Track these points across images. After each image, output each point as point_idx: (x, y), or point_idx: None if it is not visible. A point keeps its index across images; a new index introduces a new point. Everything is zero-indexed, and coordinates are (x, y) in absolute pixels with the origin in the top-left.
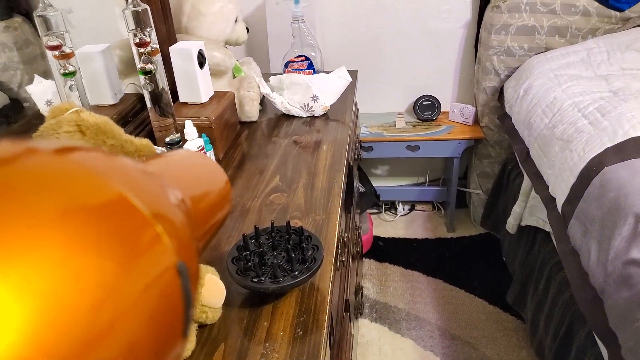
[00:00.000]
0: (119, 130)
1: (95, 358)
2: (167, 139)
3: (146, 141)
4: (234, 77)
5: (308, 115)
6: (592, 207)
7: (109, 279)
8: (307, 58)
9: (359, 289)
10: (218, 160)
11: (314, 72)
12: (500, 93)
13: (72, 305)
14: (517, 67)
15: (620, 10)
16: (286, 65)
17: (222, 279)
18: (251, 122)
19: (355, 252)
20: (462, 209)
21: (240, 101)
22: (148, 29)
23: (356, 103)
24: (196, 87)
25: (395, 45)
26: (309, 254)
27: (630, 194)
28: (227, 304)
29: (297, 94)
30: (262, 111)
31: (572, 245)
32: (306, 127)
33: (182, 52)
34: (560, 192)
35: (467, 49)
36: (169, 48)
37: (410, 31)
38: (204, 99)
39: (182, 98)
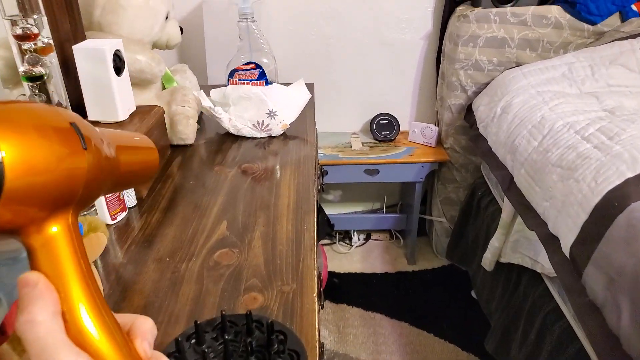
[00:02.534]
0: None
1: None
2: None
3: None
4: (164, 88)
5: (262, 135)
6: (618, 254)
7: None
8: (258, 66)
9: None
10: (140, 199)
11: (267, 83)
12: (468, 111)
13: (41, 147)
14: (486, 83)
15: (593, 23)
16: (231, 75)
17: None
18: (186, 146)
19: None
20: (421, 237)
21: (171, 119)
22: (36, 16)
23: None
24: (111, 100)
25: (349, 57)
26: None
27: None
28: None
29: (248, 110)
30: (199, 131)
31: (591, 298)
32: (259, 151)
33: (92, 52)
34: (566, 231)
35: (428, 62)
36: (73, 47)
37: (366, 42)
38: (122, 116)
39: (92, 115)
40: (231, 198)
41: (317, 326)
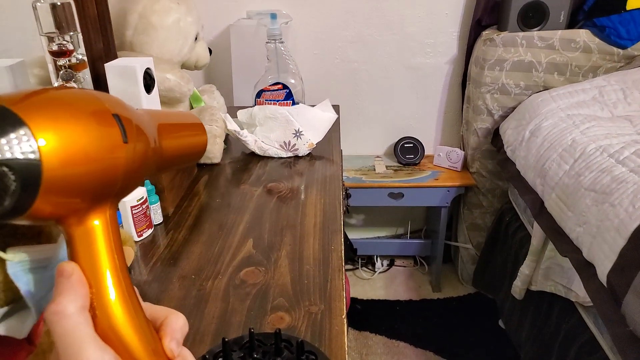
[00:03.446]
0: None
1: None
2: None
3: None
4: (192, 107)
5: (289, 155)
6: None
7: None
8: (285, 86)
9: None
10: (166, 216)
11: (293, 103)
12: (494, 135)
13: (80, 138)
14: (513, 107)
15: (623, 47)
16: (259, 95)
17: None
18: (212, 165)
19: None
20: (446, 264)
21: None
22: (72, 33)
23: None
24: None
25: (373, 81)
26: None
27: None
28: None
29: (274, 131)
30: (226, 150)
31: (632, 328)
32: (285, 171)
33: (123, 70)
34: (602, 257)
35: (453, 86)
36: (105, 65)
37: (390, 66)
38: None
39: None
40: (257, 217)
41: (346, 349)
